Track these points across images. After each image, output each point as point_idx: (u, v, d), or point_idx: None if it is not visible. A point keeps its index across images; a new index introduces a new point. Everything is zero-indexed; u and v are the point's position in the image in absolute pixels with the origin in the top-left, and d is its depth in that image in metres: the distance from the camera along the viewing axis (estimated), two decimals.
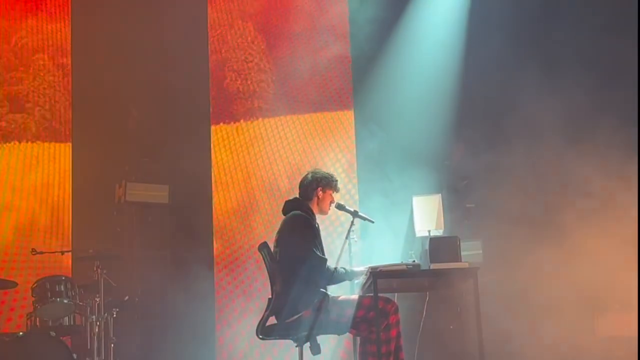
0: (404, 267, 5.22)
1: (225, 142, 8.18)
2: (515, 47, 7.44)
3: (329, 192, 5.53)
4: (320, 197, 5.50)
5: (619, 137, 6.88)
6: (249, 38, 8.32)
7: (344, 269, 5.39)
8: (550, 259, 6.87)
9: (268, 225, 7.60)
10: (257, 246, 5.48)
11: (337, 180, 5.57)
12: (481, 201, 7.48)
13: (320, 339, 5.21)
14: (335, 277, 5.31)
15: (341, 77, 8.24)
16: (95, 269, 6.69)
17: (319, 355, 5.17)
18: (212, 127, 8.16)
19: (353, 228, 5.69)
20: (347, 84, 8.20)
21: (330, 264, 5.38)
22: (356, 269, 5.48)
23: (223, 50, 8.32)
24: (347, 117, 8.11)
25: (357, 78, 8.11)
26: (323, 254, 5.33)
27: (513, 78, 7.32)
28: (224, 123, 8.21)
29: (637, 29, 6.98)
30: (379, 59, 7.95)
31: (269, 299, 5.40)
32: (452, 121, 7.63)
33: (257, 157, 8.12)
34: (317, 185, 5.50)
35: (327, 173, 5.59)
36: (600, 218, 6.77)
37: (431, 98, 7.65)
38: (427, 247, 5.33)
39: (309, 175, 5.57)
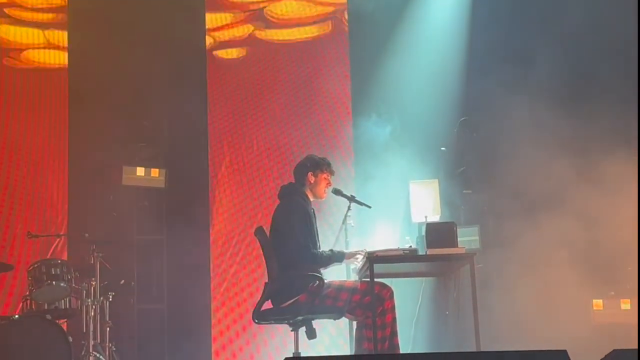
0: (401, 252, 5.23)
1: (223, 125, 8.16)
2: (520, 28, 7.41)
3: (321, 176, 5.50)
4: (312, 181, 5.49)
5: (620, 121, 6.87)
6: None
7: (331, 251, 5.35)
8: (546, 243, 6.88)
9: (265, 210, 7.59)
10: (254, 230, 5.49)
11: (328, 164, 5.53)
12: (478, 187, 7.47)
13: (316, 323, 5.21)
14: (319, 260, 5.26)
15: (339, 56, 8.22)
16: (91, 252, 6.68)
17: (314, 340, 5.18)
18: (210, 110, 8.13)
19: (349, 213, 5.69)
20: (345, 65, 8.17)
21: (325, 248, 5.38)
22: (346, 250, 5.46)
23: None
24: (345, 101, 8.09)
25: (355, 60, 8.08)
26: (314, 240, 5.32)
27: (515, 62, 7.30)
28: (220, 105, 8.19)
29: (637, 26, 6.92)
30: (377, 40, 7.93)
31: (265, 283, 5.40)
32: (450, 106, 7.61)
33: (254, 140, 8.10)
34: (307, 171, 5.49)
35: (319, 157, 5.57)
36: (599, 202, 6.77)
37: (430, 82, 7.62)
38: (423, 232, 5.34)
39: (301, 161, 5.56)
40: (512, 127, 7.13)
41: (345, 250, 5.46)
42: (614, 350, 3.50)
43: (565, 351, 3.34)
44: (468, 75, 7.65)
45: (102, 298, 6.65)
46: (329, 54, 8.24)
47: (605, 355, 3.54)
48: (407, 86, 7.70)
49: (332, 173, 5.57)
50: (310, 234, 5.31)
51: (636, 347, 3.50)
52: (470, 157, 7.45)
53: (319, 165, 5.51)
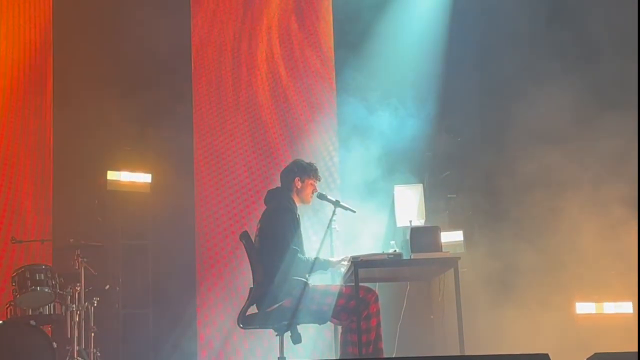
0: (385, 256, 5.24)
1: (208, 128, 8.16)
2: (500, 30, 7.44)
3: (308, 181, 5.50)
4: (299, 187, 5.48)
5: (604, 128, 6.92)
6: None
7: (317, 258, 5.34)
8: (531, 248, 6.93)
9: (251, 214, 7.58)
10: (239, 235, 5.48)
11: (316, 169, 5.54)
12: (463, 192, 7.50)
13: (301, 328, 5.22)
14: (306, 266, 5.26)
15: (324, 62, 8.24)
16: (75, 257, 6.66)
17: (299, 344, 5.18)
18: (195, 114, 8.14)
19: (334, 218, 5.69)
20: (330, 71, 8.19)
21: (311, 254, 5.38)
22: (331, 259, 5.47)
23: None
24: (330, 103, 8.12)
25: (340, 62, 8.10)
26: (300, 245, 5.33)
27: (499, 63, 7.33)
28: (206, 109, 8.19)
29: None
30: (362, 43, 7.95)
31: (251, 288, 5.40)
32: (435, 110, 7.63)
33: (239, 144, 8.11)
34: (294, 176, 5.48)
35: (306, 162, 5.57)
36: (579, 208, 6.83)
37: (414, 86, 7.65)
38: (408, 236, 5.35)
39: (288, 165, 5.56)
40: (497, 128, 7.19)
41: (330, 259, 5.47)
42: (595, 354, 3.53)
43: (547, 355, 3.36)
44: (455, 74, 7.67)
45: (86, 303, 6.64)
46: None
47: (587, 359, 3.57)
48: (392, 88, 7.71)
49: (318, 179, 5.58)
50: (297, 239, 5.32)
51: (617, 350, 3.52)
52: (455, 161, 7.49)
53: (307, 171, 5.51)
